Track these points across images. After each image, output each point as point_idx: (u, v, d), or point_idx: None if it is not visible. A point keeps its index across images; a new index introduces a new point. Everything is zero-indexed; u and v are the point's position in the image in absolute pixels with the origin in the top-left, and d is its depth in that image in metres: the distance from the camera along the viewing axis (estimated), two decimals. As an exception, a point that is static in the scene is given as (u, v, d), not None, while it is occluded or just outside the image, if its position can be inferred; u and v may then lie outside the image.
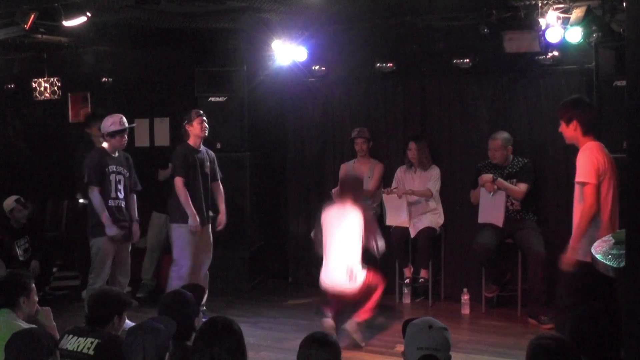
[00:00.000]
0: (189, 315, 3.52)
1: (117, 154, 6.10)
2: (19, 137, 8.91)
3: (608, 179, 4.41)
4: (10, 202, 7.00)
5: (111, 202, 6.02)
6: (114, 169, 6.05)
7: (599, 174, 4.38)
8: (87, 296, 5.94)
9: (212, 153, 6.44)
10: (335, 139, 7.47)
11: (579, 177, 4.42)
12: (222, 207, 6.44)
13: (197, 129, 6.16)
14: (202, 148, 6.31)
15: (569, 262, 4.56)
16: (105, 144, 6.06)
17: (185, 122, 6.20)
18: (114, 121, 6.00)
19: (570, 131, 4.56)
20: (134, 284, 7.26)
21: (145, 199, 7.14)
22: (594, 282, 4.14)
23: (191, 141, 6.20)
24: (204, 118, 6.20)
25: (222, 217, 6.41)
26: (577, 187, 4.51)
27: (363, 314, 5.59)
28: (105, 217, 5.91)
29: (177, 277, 6.09)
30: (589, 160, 4.40)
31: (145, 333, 2.99)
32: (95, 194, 5.93)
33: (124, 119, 6.04)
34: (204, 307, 6.26)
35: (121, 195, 6.08)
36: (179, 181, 6.08)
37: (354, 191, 5.69)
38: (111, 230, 5.91)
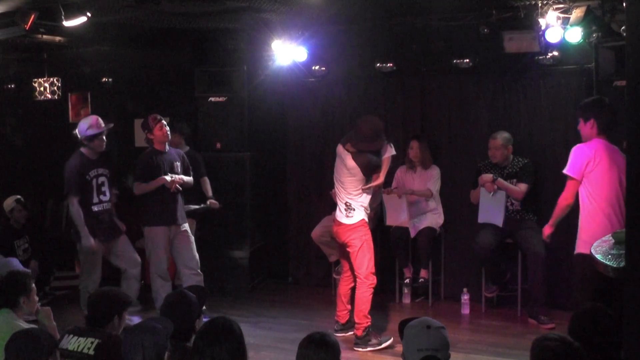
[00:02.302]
0: (191, 316, 3.53)
1: (96, 156, 6.04)
2: (18, 138, 8.90)
3: (601, 175, 4.57)
4: (10, 202, 7.00)
5: (96, 208, 6.00)
6: (96, 173, 5.99)
7: (583, 170, 4.64)
8: (82, 297, 5.96)
9: (180, 152, 6.43)
10: (335, 139, 7.41)
11: (566, 169, 4.77)
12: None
13: (159, 135, 6.10)
14: (169, 149, 6.26)
15: (545, 234, 5.19)
16: (83, 149, 5.99)
17: (146, 131, 6.14)
18: (91, 124, 5.90)
19: (587, 129, 4.73)
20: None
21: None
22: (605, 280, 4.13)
23: (156, 146, 6.16)
24: (164, 122, 6.15)
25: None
26: (580, 185, 4.73)
27: (359, 326, 5.59)
28: (83, 230, 5.86)
29: (158, 278, 6.14)
30: (577, 154, 4.69)
31: (143, 332, 2.99)
32: (74, 203, 5.88)
33: (100, 120, 5.97)
34: (204, 307, 6.26)
35: (105, 197, 6.06)
36: (135, 186, 6.11)
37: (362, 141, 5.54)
38: (87, 241, 5.87)
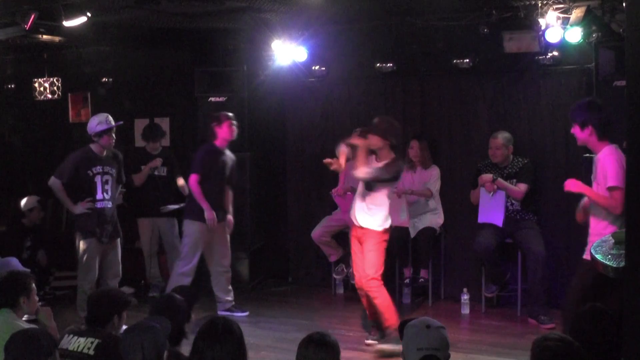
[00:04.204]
0: (180, 320, 3.50)
1: (105, 153, 6.05)
2: (18, 138, 8.90)
3: None
4: (32, 201, 7.08)
5: (100, 204, 5.99)
6: (101, 170, 5.99)
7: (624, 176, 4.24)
8: (78, 297, 5.96)
9: (234, 157, 6.46)
10: (335, 139, 7.40)
11: (611, 182, 4.29)
12: (229, 209, 6.48)
13: (225, 131, 6.19)
14: (227, 151, 6.33)
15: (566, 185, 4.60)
16: (92, 145, 6.01)
17: (215, 123, 6.22)
18: (100, 120, 5.94)
19: (584, 135, 4.46)
20: (136, 285, 7.27)
21: (130, 206, 7.20)
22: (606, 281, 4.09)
23: (218, 142, 6.24)
24: (234, 122, 6.23)
25: (229, 219, 6.45)
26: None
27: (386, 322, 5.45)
28: (66, 199, 5.98)
29: (181, 274, 6.17)
30: (619, 164, 4.29)
31: (142, 332, 2.99)
32: (55, 181, 5.94)
33: (110, 118, 5.99)
34: (233, 302, 6.45)
35: (108, 195, 6.04)
36: (193, 178, 6.14)
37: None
38: (76, 208, 5.95)
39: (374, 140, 5.39)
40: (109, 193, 6.04)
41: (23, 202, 7.10)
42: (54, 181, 5.96)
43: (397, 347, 5.34)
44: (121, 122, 6.18)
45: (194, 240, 6.21)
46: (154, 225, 7.08)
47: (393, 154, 5.43)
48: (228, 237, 6.43)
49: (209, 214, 6.10)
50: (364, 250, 5.44)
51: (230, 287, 6.49)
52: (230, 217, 6.44)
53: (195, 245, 6.21)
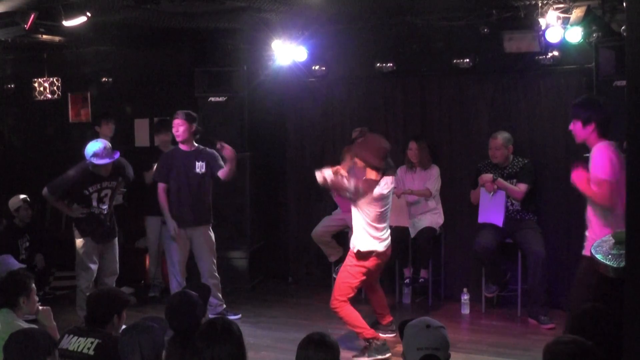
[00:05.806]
0: (196, 315, 3.52)
1: (101, 171, 5.93)
2: (18, 137, 8.90)
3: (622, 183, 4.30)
4: (17, 200, 7.03)
5: (94, 210, 5.98)
6: (98, 187, 5.92)
7: (615, 171, 4.22)
8: (78, 297, 5.96)
9: (209, 151, 6.25)
10: (335, 139, 7.46)
11: (601, 175, 4.24)
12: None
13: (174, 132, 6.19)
14: (193, 148, 6.19)
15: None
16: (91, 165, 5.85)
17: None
18: (96, 152, 5.72)
19: (586, 132, 4.41)
20: (136, 285, 7.27)
21: (138, 204, 7.18)
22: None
23: (180, 145, 6.21)
24: (176, 119, 6.12)
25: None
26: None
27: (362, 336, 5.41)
28: (63, 206, 6.01)
29: (170, 273, 6.23)
30: (609, 159, 4.25)
31: (140, 332, 3.00)
32: (47, 193, 5.94)
33: (108, 148, 5.79)
34: (224, 307, 6.34)
35: (105, 206, 6.01)
36: (159, 187, 6.14)
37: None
38: (75, 212, 5.96)
39: (362, 157, 5.17)
40: (106, 204, 6.02)
41: (10, 202, 7.10)
42: (47, 194, 5.95)
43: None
44: (117, 155, 5.90)
45: (167, 243, 6.22)
46: (162, 224, 7.03)
47: (374, 174, 5.13)
48: (208, 241, 6.26)
49: (169, 226, 6.09)
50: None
51: (219, 294, 6.31)
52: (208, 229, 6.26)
53: (170, 249, 6.20)
